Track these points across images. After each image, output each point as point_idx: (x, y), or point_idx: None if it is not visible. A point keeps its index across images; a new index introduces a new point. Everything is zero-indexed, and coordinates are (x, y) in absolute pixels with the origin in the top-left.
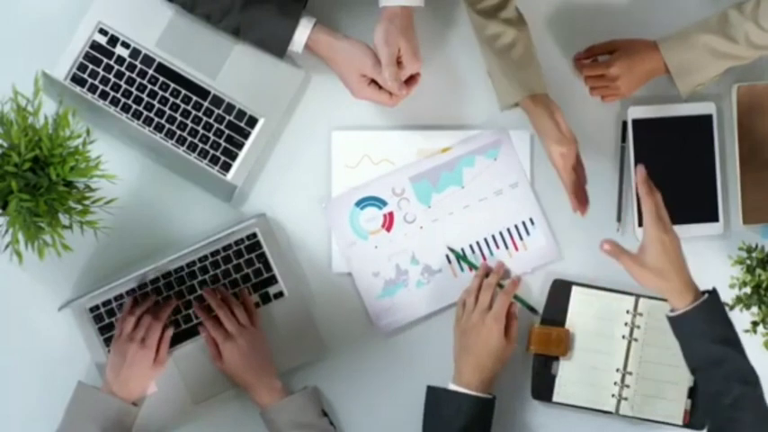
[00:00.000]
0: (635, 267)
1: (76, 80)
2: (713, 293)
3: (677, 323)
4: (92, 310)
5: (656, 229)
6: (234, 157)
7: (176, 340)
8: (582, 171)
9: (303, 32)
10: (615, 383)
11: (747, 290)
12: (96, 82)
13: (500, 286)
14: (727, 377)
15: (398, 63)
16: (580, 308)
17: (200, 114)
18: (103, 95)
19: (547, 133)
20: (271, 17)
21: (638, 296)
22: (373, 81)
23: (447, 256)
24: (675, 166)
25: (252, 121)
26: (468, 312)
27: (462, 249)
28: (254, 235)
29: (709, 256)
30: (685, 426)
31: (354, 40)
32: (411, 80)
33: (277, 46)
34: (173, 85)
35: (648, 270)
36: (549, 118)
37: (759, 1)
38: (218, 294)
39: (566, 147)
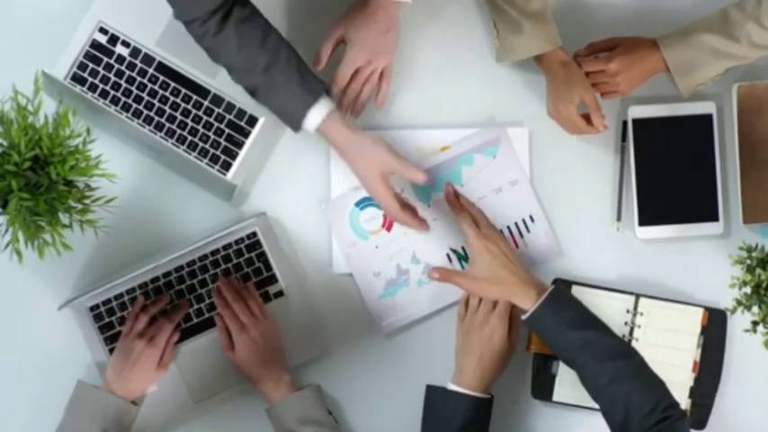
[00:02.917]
0: (469, 282)
1: (77, 79)
2: (555, 283)
3: (532, 322)
4: (92, 309)
5: (478, 240)
6: (234, 157)
7: (177, 339)
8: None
9: (318, 115)
10: None
11: (747, 290)
12: (96, 81)
13: None
14: (598, 357)
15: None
16: None
17: (200, 113)
18: (103, 94)
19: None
20: (290, 86)
21: (638, 296)
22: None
23: (448, 255)
24: (675, 165)
25: (252, 121)
26: (472, 311)
27: (463, 248)
28: (254, 234)
29: (710, 255)
30: None
31: (370, 135)
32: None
33: (290, 119)
34: (173, 84)
35: (482, 281)
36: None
37: (761, 0)
38: (233, 286)
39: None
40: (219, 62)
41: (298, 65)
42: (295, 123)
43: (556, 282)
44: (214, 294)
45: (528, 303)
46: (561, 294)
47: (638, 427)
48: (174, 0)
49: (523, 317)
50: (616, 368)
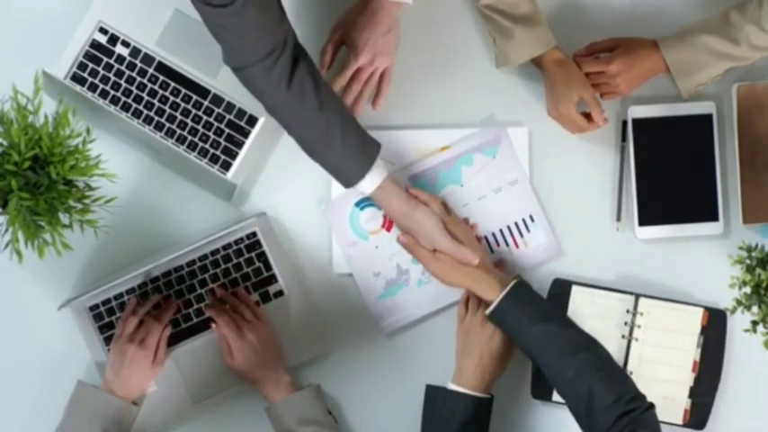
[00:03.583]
0: (433, 260)
1: (76, 79)
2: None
3: (496, 317)
4: (92, 308)
5: (442, 223)
6: (234, 156)
7: (176, 339)
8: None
9: (372, 183)
10: None
11: (747, 290)
12: (96, 81)
13: None
14: (561, 353)
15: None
16: (580, 307)
17: (200, 113)
18: (103, 94)
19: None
20: (345, 145)
21: (638, 296)
22: None
23: None
24: (675, 165)
25: (252, 121)
26: (472, 312)
27: None
28: (254, 234)
29: (710, 255)
30: (685, 425)
31: (422, 209)
32: (378, 96)
33: (344, 180)
34: (173, 83)
35: (445, 261)
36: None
37: (761, 2)
38: (221, 295)
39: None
40: (275, 115)
41: (354, 123)
42: (348, 184)
43: (555, 282)
44: (206, 307)
45: (491, 294)
46: (524, 288)
47: (603, 418)
48: (225, 42)
49: (487, 312)
50: (579, 361)
